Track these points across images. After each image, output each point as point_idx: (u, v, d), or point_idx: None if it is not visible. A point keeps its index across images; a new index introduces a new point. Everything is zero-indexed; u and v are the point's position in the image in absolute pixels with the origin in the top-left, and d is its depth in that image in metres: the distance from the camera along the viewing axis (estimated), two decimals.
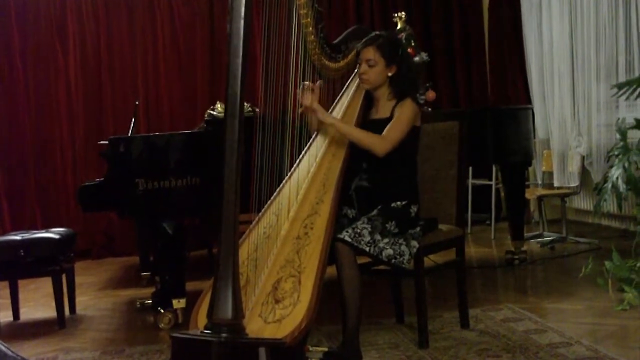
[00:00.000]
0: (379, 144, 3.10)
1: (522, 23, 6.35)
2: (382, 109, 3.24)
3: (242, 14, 2.49)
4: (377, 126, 3.17)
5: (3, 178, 6.56)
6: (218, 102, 4.33)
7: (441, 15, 7.20)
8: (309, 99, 3.11)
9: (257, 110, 4.16)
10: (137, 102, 5.67)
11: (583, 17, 5.45)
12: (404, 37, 4.66)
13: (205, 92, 6.80)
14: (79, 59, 6.72)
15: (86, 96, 6.73)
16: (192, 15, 6.86)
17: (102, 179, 4.11)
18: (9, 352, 1.82)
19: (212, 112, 4.27)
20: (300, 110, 3.15)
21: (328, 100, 3.34)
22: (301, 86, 3.13)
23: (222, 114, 4.07)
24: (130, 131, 5.03)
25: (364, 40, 3.22)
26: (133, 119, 5.15)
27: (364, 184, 3.18)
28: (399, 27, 4.76)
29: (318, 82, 3.23)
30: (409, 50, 4.47)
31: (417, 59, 4.65)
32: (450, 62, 7.24)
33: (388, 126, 3.13)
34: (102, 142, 5.08)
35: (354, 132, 3.15)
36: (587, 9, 5.40)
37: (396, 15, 4.85)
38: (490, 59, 7.24)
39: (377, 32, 3.27)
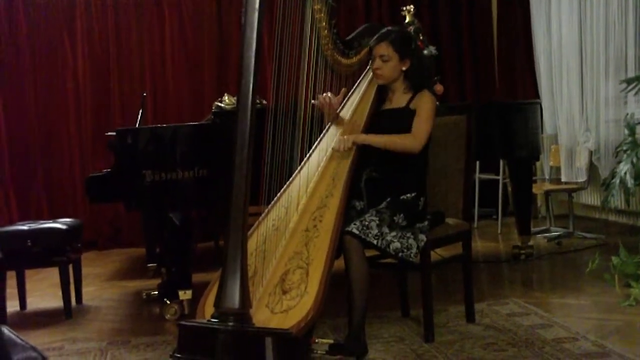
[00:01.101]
0: (412, 142, 3.10)
1: (530, 17, 6.33)
2: (397, 100, 3.25)
3: (257, 6, 2.49)
4: (390, 115, 3.20)
5: (11, 169, 6.59)
6: (225, 95, 4.33)
7: (449, 9, 7.19)
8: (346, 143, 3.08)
9: (265, 102, 4.16)
10: (144, 94, 5.67)
11: (592, 12, 5.43)
12: (412, 30, 4.65)
13: (212, 85, 6.80)
14: (87, 52, 6.74)
15: (94, 88, 6.75)
16: (199, 9, 6.86)
17: (109, 170, 4.12)
18: (18, 340, 1.83)
19: (219, 104, 4.27)
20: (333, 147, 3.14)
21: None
22: (323, 96, 3.15)
23: (230, 106, 4.11)
24: (137, 123, 5.03)
25: (376, 36, 3.22)
26: (141, 111, 5.15)
27: (375, 175, 3.18)
28: (407, 20, 4.74)
29: (342, 90, 3.27)
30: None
31: (425, 52, 4.64)
32: (458, 56, 7.23)
33: (414, 124, 3.13)
34: (109, 133, 5.09)
35: (385, 140, 3.12)
36: (596, 4, 5.38)
37: (404, 8, 4.82)
38: (499, 53, 7.22)
39: (389, 28, 3.28)
